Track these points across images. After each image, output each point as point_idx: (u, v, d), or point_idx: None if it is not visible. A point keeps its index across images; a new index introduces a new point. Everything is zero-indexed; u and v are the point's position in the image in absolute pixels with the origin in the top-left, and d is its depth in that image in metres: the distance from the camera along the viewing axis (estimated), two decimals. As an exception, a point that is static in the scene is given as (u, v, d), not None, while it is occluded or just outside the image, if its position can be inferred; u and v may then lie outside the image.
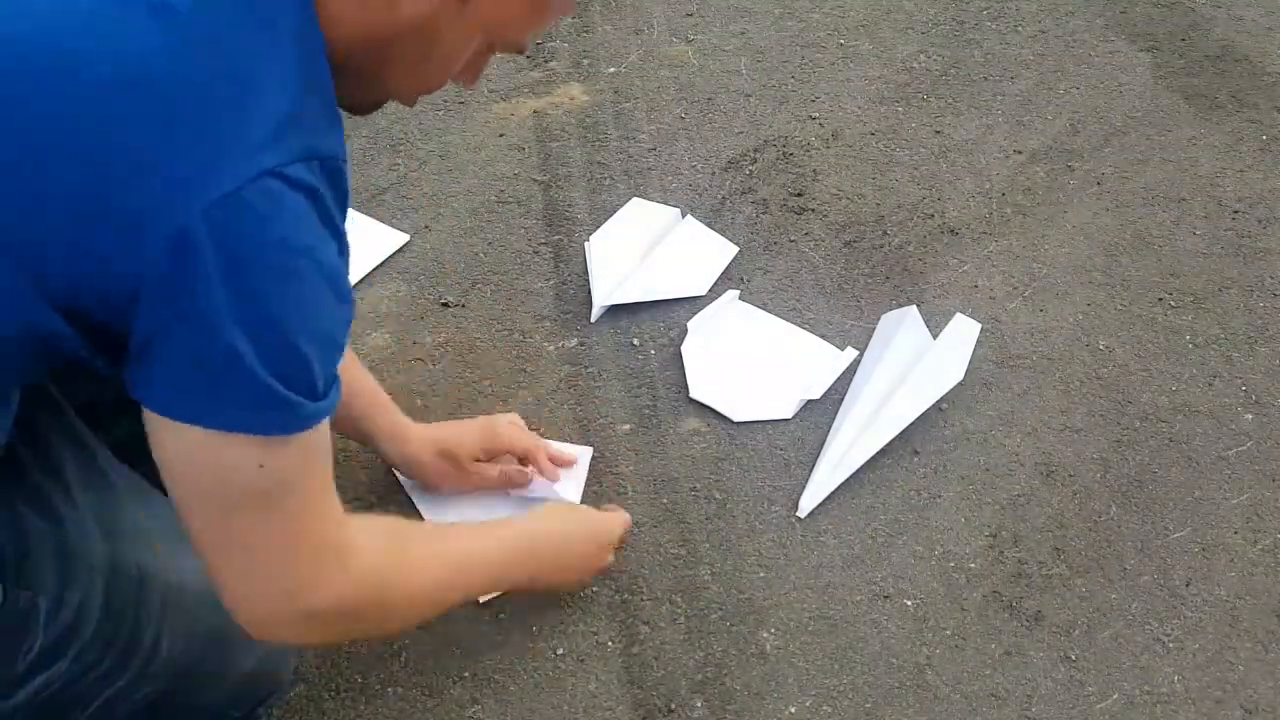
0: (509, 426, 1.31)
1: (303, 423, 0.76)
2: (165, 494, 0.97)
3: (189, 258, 0.68)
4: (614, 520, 1.23)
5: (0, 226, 0.68)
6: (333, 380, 0.77)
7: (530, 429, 1.37)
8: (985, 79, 1.97)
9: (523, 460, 1.31)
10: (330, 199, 0.73)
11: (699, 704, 1.19)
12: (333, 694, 1.17)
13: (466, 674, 1.20)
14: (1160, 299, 1.63)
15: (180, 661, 0.92)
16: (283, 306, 0.71)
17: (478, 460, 1.29)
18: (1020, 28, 2.09)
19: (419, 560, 0.97)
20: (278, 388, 0.72)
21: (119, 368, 0.76)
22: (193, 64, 0.68)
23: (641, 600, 1.26)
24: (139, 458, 1.00)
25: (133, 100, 0.67)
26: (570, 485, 1.34)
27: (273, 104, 0.70)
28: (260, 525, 0.79)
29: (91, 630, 0.86)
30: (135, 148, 0.67)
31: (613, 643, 1.23)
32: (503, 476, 1.30)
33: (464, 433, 1.29)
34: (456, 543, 1.04)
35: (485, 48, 0.84)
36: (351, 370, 1.20)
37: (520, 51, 0.86)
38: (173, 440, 0.75)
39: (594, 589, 1.26)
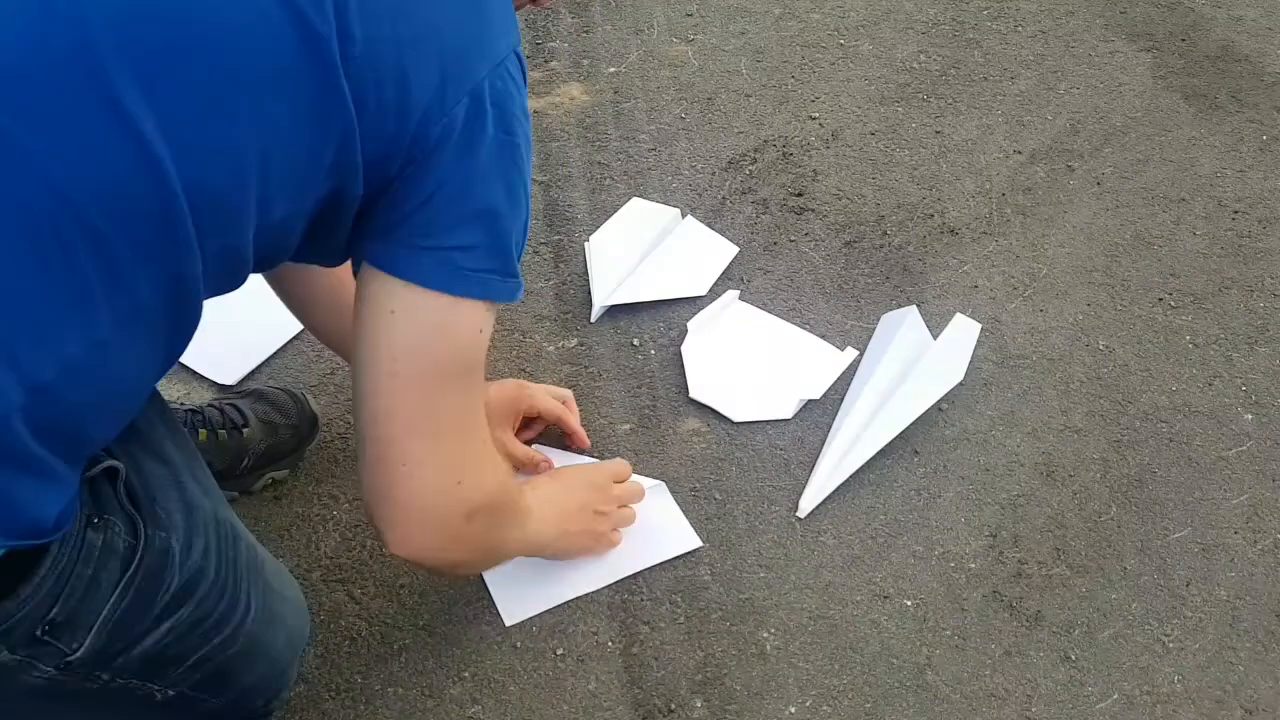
0: (544, 396, 1.34)
1: (517, 292, 0.86)
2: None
3: (478, 118, 0.78)
4: (604, 465, 1.28)
5: (352, 59, 0.74)
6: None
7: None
8: (985, 79, 1.97)
9: (553, 427, 1.36)
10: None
11: (699, 704, 1.19)
12: (333, 694, 1.17)
13: (466, 674, 1.20)
14: (1160, 299, 1.63)
15: (254, 625, 0.93)
16: (525, 173, 0.83)
17: (510, 428, 1.32)
18: (1020, 28, 2.09)
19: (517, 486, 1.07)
20: (513, 256, 0.83)
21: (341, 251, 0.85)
22: None
23: (641, 600, 1.26)
24: None
25: None
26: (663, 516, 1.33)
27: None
28: (465, 403, 0.88)
29: (212, 575, 0.87)
30: (443, 16, 0.77)
31: (613, 643, 1.23)
32: (526, 458, 1.32)
33: (496, 394, 1.30)
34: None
35: None
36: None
37: (538, 4, 0.95)
38: (411, 312, 0.82)
39: (594, 589, 1.26)
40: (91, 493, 0.78)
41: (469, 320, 0.84)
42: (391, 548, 0.92)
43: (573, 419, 1.36)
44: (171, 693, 0.89)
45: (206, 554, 0.87)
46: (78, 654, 0.77)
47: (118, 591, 0.79)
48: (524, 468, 1.32)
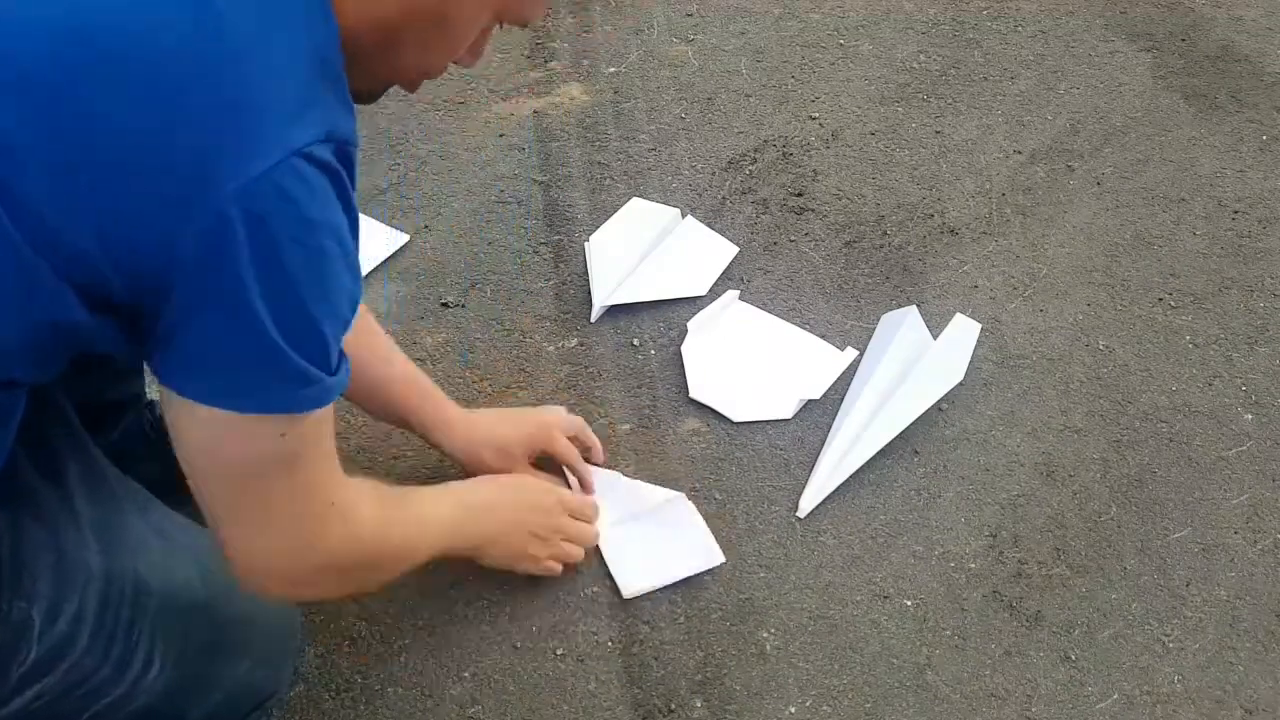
0: (562, 437, 1.31)
1: (321, 399, 0.79)
2: (158, 499, 0.97)
3: (223, 244, 0.68)
4: (543, 486, 1.26)
5: (37, 217, 0.68)
6: (342, 356, 0.80)
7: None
8: (985, 79, 1.97)
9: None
10: (346, 178, 0.75)
11: (699, 704, 1.19)
12: (333, 694, 1.17)
13: (466, 674, 1.20)
14: (1160, 299, 1.63)
15: (173, 673, 0.92)
16: (307, 285, 0.73)
17: (528, 461, 1.30)
18: (1020, 28, 2.09)
19: (398, 523, 1.01)
20: (300, 364, 0.75)
21: (139, 357, 0.78)
22: (219, 46, 0.69)
23: (641, 600, 1.26)
24: (132, 462, 1.00)
25: (158, 81, 0.68)
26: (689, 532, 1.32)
27: (296, 86, 0.71)
28: (277, 487, 0.82)
29: (85, 642, 0.85)
30: (163, 132, 0.67)
31: (613, 643, 1.23)
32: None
33: (516, 432, 1.29)
34: (428, 506, 1.09)
35: (491, 25, 0.84)
36: (395, 359, 1.23)
37: (524, 26, 0.87)
38: (197, 421, 0.77)
39: (594, 589, 1.26)
40: None
41: (260, 431, 0.78)
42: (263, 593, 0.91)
43: (586, 476, 1.32)
44: None
45: (79, 620, 0.85)
46: None
47: None
48: None
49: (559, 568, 1.24)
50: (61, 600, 0.84)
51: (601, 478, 1.33)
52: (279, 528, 0.85)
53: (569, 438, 1.31)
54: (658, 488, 1.34)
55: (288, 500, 0.84)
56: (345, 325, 0.79)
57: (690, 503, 1.33)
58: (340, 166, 0.74)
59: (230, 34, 0.69)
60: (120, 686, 0.89)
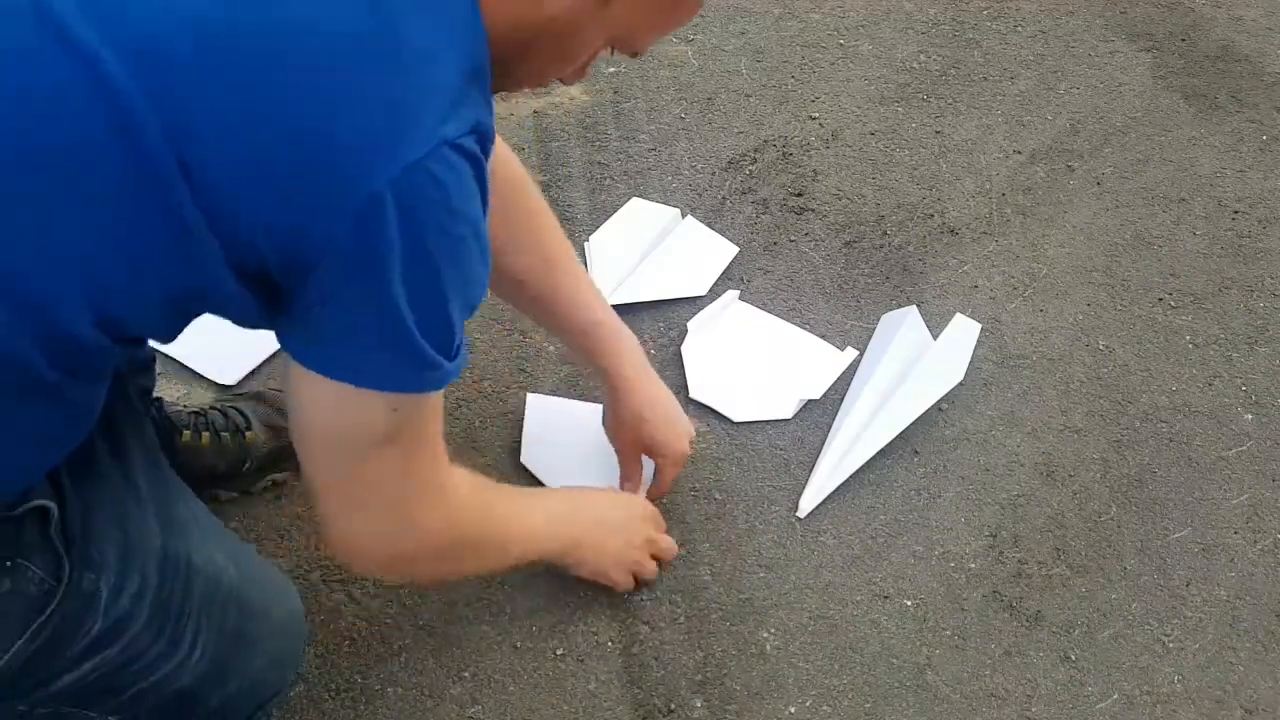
0: (676, 459, 1.30)
1: (439, 382, 0.82)
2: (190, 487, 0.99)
3: (375, 226, 0.72)
4: (637, 499, 1.28)
5: (218, 199, 0.71)
6: (461, 345, 0.83)
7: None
8: (985, 79, 1.97)
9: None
10: (487, 171, 0.79)
11: (699, 704, 1.19)
12: (333, 694, 1.17)
13: (466, 674, 1.20)
14: (1160, 299, 1.63)
15: (208, 658, 0.93)
16: (446, 271, 0.77)
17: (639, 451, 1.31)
18: (1020, 28, 2.09)
19: (498, 511, 1.05)
20: (424, 347, 0.78)
21: (263, 325, 0.82)
22: (382, 37, 0.72)
23: (641, 600, 1.26)
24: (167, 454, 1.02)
25: (326, 70, 0.71)
26: None
27: (449, 78, 0.75)
28: (383, 463, 0.86)
29: (144, 618, 0.87)
30: (332, 117, 0.71)
31: (613, 643, 1.23)
32: (629, 475, 1.31)
33: (665, 436, 1.28)
34: (524, 500, 1.15)
35: (602, 48, 0.88)
36: (582, 286, 1.26)
37: (635, 56, 0.91)
38: (316, 392, 0.80)
39: (593, 589, 1.26)
40: (11, 533, 0.78)
41: (375, 405, 0.81)
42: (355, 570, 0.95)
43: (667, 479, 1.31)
44: (115, 719, 0.90)
45: (140, 596, 0.86)
46: None
47: (26, 636, 0.79)
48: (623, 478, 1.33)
49: (633, 582, 1.24)
50: (126, 575, 0.85)
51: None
52: (380, 504, 0.89)
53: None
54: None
55: (391, 477, 0.87)
56: (471, 312, 0.82)
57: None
58: (482, 156, 0.78)
59: (401, 27, 0.73)
60: (169, 665, 0.90)
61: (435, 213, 0.75)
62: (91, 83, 0.67)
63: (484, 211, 0.80)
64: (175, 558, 0.90)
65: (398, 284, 0.74)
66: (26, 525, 0.79)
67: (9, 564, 0.78)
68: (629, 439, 1.29)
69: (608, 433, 1.31)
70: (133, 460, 0.90)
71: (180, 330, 0.85)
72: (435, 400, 0.86)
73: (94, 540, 0.84)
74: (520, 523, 1.09)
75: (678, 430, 1.29)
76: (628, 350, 1.27)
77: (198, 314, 0.83)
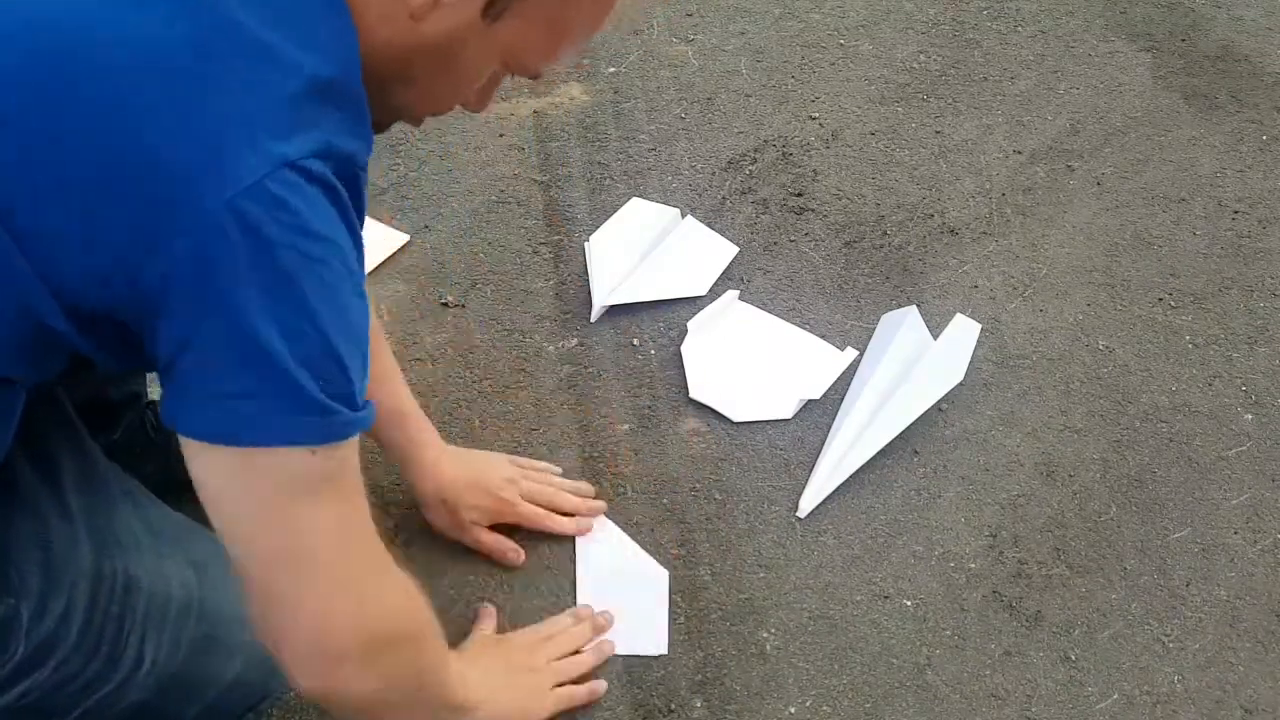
0: (521, 504, 1.26)
1: (344, 430, 0.73)
2: (158, 498, 0.96)
3: (215, 251, 0.65)
4: (525, 641, 1.17)
5: (17, 212, 0.65)
6: (365, 399, 0.75)
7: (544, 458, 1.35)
8: (985, 79, 1.97)
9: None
10: (348, 199, 0.71)
11: (699, 704, 1.19)
12: (333, 694, 1.17)
13: (466, 674, 1.20)
14: (1160, 299, 1.63)
15: (164, 672, 0.91)
16: (317, 300, 0.68)
17: (477, 521, 1.25)
18: (1020, 28, 2.09)
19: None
20: (315, 391, 0.69)
21: (131, 368, 0.76)
22: (209, 53, 0.66)
23: (641, 600, 1.26)
24: (133, 461, 1.00)
25: (149, 89, 0.65)
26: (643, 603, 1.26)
27: (289, 91, 0.67)
28: (325, 520, 0.76)
29: (74, 639, 0.84)
30: (153, 139, 0.65)
31: (613, 643, 1.23)
32: (494, 548, 1.26)
33: (470, 489, 1.24)
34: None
35: (499, 73, 0.83)
36: (391, 379, 1.19)
37: (536, 78, 0.84)
38: (213, 463, 0.72)
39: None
40: None
41: (281, 463, 0.72)
42: (306, 694, 0.82)
43: (552, 521, 1.28)
44: None
45: (66, 617, 0.83)
46: None
47: None
48: (492, 555, 1.26)
49: (578, 699, 1.16)
50: (49, 597, 0.83)
51: (599, 528, 1.31)
52: (323, 581, 0.78)
53: (530, 498, 1.28)
54: (649, 558, 1.30)
55: (331, 540, 0.77)
56: (361, 347, 0.73)
57: (666, 585, 1.27)
58: (339, 184, 0.70)
59: (230, 34, 0.66)
60: (110, 683, 0.88)
61: (286, 233, 0.66)
62: None
63: (354, 244, 0.72)
64: (110, 575, 0.86)
65: (256, 313, 0.66)
66: None
67: None
68: (470, 522, 1.24)
69: (445, 532, 1.25)
70: (62, 476, 0.87)
71: (53, 374, 0.78)
72: (351, 449, 0.75)
73: (13, 563, 0.81)
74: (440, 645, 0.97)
75: (490, 487, 1.25)
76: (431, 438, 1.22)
77: (64, 357, 0.77)
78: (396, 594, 0.85)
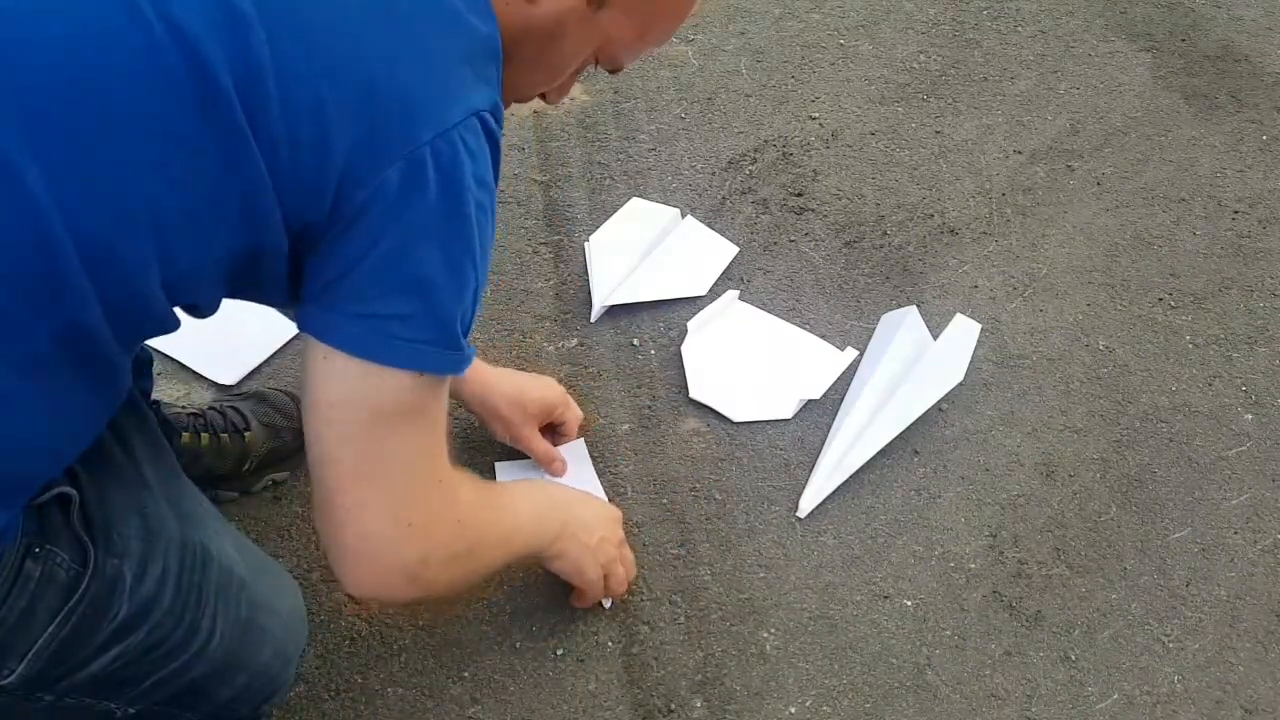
0: (575, 407, 1.37)
1: (458, 365, 0.82)
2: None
3: (416, 183, 0.74)
4: (605, 501, 1.28)
5: (279, 146, 0.72)
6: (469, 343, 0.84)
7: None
8: (985, 79, 1.97)
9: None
10: (499, 151, 0.80)
11: (699, 704, 1.19)
12: (333, 694, 1.17)
13: (466, 674, 1.20)
14: (1160, 299, 1.63)
15: (223, 647, 0.93)
16: (476, 240, 0.78)
17: (537, 426, 1.34)
18: (1020, 28, 2.09)
19: (494, 503, 1.04)
20: (456, 327, 0.79)
21: (286, 302, 0.83)
22: (416, 3, 0.75)
23: (641, 600, 1.26)
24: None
25: (380, 27, 0.73)
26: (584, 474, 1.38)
27: (477, 49, 0.77)
28: (398, 441, 0.83)
29: (167, 603, 0.87)
30: (405, 76, 0.73)
31: (613, 643, 1.23)
32: (544, 454, 1.34)
33: (538, 393, 1.33)
34: (509, 493, 1.12)
35: (586, 63, 0.89)
36: None
37: (616, 71, 0.92)
38: (342, 372, 0.79)
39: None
40: (37, 521, 0.78)
41: (396, 385, 0.80)
42: (347, 589, 0.91)
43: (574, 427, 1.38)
44: (133, 710, 0.90)
45: (163, 581, 0.86)
46: (9, 679, 0.78)
47: (56, 621, 0.79)
48: (540, 460, 1.34)
49: (601, 586, 1.19)
50: (149, 560, 0.85)
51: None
52: (393, 490, 0.86)
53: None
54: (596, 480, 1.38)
55: (403, 458, 0.85)
56: (482, 286, 0.83)
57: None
58: (499, 137, 0.79)
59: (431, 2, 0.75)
60: (187, 653, 0.90)
61: (465, 181, 0.75)
62: (172, 37, 0.68)
63: (496, 185, 0.80)
64: (193, 545, 0.90)
65: (432, 247, 0.75)
66: (50, 513, 0.80)
67: (38, 551, 0.78)
68: (535, 412, 1.32)
69: (504, 434, 1.33)
70: (135, 451, 0.90)
71: (219, 302, 0.85)
72: (446, 386, 0.86)
73: (115, 525, 0.84)
74: (513, 514, 1.08)
75: (550, 384, 1.34)
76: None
77: (242, 287, 0.84)
78: (453, 518, 0.93)
